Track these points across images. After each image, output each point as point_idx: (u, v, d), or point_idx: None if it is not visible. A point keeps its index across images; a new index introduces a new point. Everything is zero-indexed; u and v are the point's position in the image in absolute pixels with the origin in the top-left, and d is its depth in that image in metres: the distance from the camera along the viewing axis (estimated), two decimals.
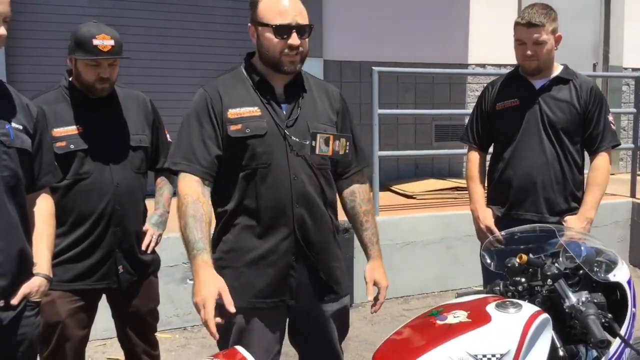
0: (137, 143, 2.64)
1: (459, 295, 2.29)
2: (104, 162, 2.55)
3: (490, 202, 2.86)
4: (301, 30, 2.04)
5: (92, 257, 2.54)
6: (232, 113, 2.06)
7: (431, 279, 4.99)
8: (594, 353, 2.01)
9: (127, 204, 2.58)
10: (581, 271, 2.05)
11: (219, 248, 2.10)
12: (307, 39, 2.07)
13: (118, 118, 2.63)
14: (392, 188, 5.97)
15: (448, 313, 1.94)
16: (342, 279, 2.24)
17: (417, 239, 4.93)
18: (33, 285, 2.01)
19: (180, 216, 1.98)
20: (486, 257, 2.33)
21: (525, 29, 2.65)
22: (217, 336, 1.83)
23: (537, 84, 2.78)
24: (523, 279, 2.07)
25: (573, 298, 1.96)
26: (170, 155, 2.10)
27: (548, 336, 1.85)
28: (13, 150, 1.96)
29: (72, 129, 2.52)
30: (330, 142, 2.09)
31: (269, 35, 2.03)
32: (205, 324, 1.81)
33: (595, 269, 2.02)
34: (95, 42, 2.47)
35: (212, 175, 2.06)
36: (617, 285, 2.04)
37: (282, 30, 2.01)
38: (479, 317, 1.88)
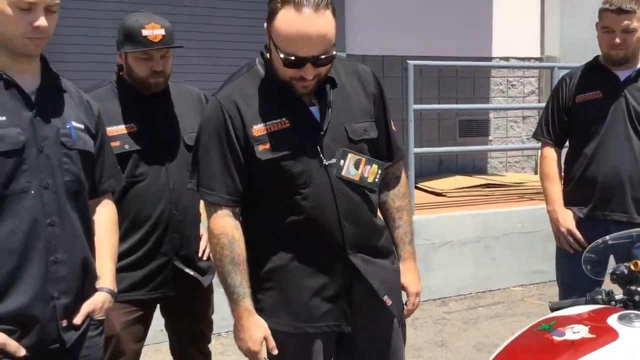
0: (193, 142, 2.44)
1: (554, 307, 2.11)
2: (159, 163, 2.36)
3: (568, 202, 2.69)
4: (319, 61, 1.70)
5: (149, 265, 2.35)
6: (257, 130, 1.77)
7: (469, 279, 4.83)
8: None
9: (185, 208, 2.38)
10: None
11: (262, 269, 1.86)
12: (327, 65, 1.74)
13: (172, 115, 2.43)
14: (419, 185, 5.80)
15: (564, 328, 1.76)
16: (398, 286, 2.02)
17: (454, 238, 4.76)
18: (97, 302, 1.81)
19: (216, 258, 1.81)
20: (586, 263, 2.15)
21: (615, 16, 2.48)
22: None
23: (622, 75, 2.61)
24: (638, 288, 1.89)
25: None
26: (192, 176, 1.87)
27: None
28: (75, 152, 1.76)
29: (125, 128, 2.32)
30: (361, 165, 1.85)
31: (279, 59, 1.70)
32: None
33: None
34: (145, 32, 2.27)
35: (241, 203, 1.84)
36: None
37: (294, 63, 1.69)
38: (603, 333, 1.70)
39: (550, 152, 2.76)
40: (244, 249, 1.80)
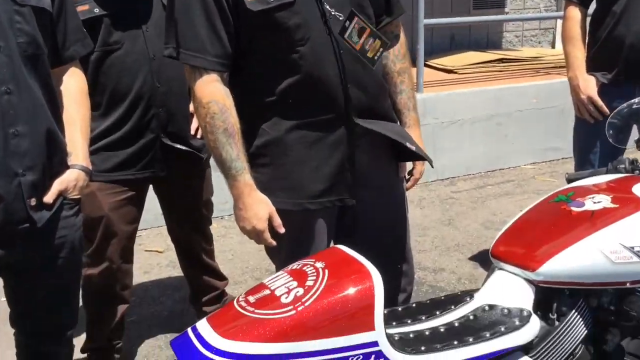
0: None
1: (571, 178, 1.94)
2: (136, 28, 2.12)
3: (592, 68, 2.43)
4: None
5: (136, 143, 2.18)
6: None
7: (479, 158, 4.66)
8: None
9: (168, 80, 2.17)
10: None
11: (254, 143, 1.68)
12: None
13: None
14: (428, 63, 5.49)
15: (584, 198, 1.60)
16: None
17: (464, 116, 4.54)
18: (69, 180, 1.65)
19: (207, 130, 1.58)
20: (610, 129, 1.95)
21: None
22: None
23: None
24: None
25: None
26: (169, 39, 1.61)
27: None
28: (27, 9, 1.52)
29: None
30: (364, 35, 1.61)
31: None
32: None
33: None
34: None
35: (229, 67, 1.61)
36: None
37: None
38: (627, 202, 1.54)
39: (574, 12, 2.47)
40: (237, 118, 1.59)
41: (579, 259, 1.45)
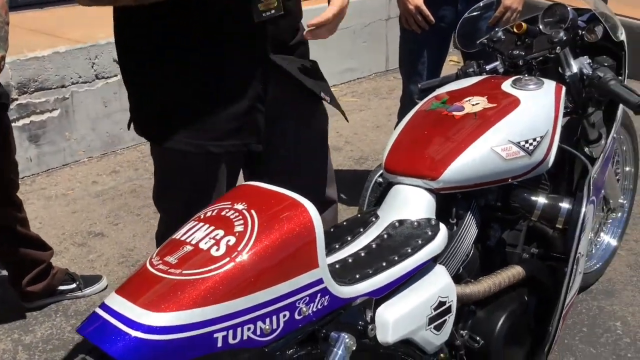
0: None
1: (424, 88, 1.97)
2: None
3: None
4: None
5: None
6: None
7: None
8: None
9: None
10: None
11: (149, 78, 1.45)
12: None
13: None
14: None
15: (460, 102, 1.62)
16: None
17: None
18: None
19: None
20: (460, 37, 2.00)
21: None
22: None
23: None
24: (521, 52, 1.80)
25: (574, 66, 1.76)
26: None
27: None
28: None
29: None
30: None
31: None
32: None
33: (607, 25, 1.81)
34: None
35: None
36: (615, 47, 1.88)
37: None
38: (504, 100, 1.59)
39: None
40: None
41: (475, 160, 1.46)
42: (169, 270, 1.03)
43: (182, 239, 1.09)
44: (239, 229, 1.07)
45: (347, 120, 1.80)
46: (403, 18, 2.51)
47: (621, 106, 1.86)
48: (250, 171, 1.67)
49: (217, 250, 1.04)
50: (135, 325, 0.96)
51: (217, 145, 1.48)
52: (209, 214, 1.14)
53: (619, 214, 2.45)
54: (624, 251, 2.62)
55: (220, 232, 1.07)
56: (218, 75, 1.45)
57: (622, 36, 1.86)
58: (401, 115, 2.57)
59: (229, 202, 1.14)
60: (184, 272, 1.02)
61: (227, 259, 1.02)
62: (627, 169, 2.44)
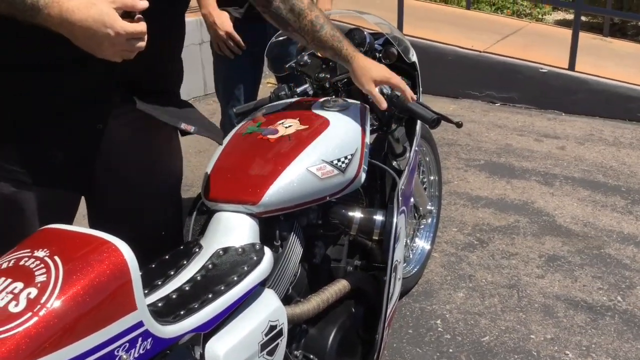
0: None
1: (239, 112, 1.98)
2: None
3: (222, 3, 2.46)
4: None
5: None
6: None
7: None
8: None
9: None
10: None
11: None
12: None
13: None
14: None
15: (274, 125, 1.64)
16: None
17: None
18: None
19: None
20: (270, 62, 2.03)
21: None
22: None
23: None
24: (327, 75, 1.87)
25: None
26: None
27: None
28: None
29: None
30: None
31: None
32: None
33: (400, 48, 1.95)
34: None
35: None
36: (409, 67, 2.03)
37: None
38: (314, 122, 1.64)
39: None
40: None
41: (293, 182, 1.49)
42: None
43: None
44: (40, 278, 0.96)
45: (220, 143, 1.62)
46: (215, 43, 2.50)
47: (419, 121, 2.02)
48: (90, 212, 1.53)
49: (17, 305, 0.93)
50: None
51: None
52: (4, 265, 1.01)
53: (429, 220, 2.66)
54: (437, 253, 2.85)
55: (19, 285, 0.96)
56: (42, 108, 1.30)
57: (414, 57, 2.03)
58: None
59: (28, 250, 1.03)
60: None
61: (29, 314, 0.92)
62: (432, 177, 2.66)
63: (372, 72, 1.64)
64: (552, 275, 2.70)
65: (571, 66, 4.76)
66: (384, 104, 1.64)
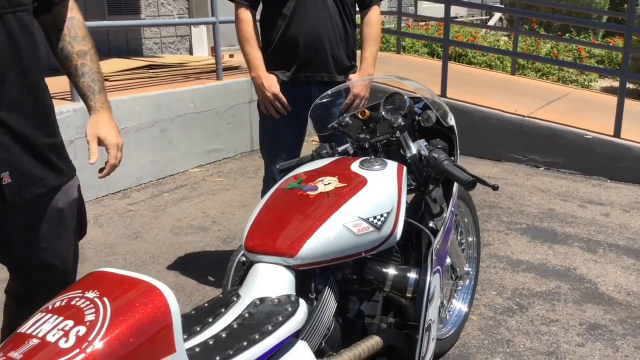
0: None
1: (282, 168, 2.07)
2: None
3: (271, 67, 2.60)
4: None
5: None
6: None
7: (148, 167, 4.55)
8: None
9: None
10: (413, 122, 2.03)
11: None
12: None
13: None
14: None
15: (314, 182, 1.72)
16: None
17: (128, 124, 4.37)
18: None
19: None
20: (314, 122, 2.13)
21: None
22: None
23: None
24: (367, 135, 1.95)
25: (414, 148, 1.94)
26: None
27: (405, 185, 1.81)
28: None
29: None
30: None
31: None
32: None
33: (440, 114, 2.02)
34: None
35: None
36: (447, 130, 2.09)
37: None
38: (353, 180, 1.71)
39: (246, 14, 2.60)
40: None
41: (329, 237, 1.54)
42: None
43: (28, 332, 1.04)
44: (89, 318, 1.04)
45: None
46: (262, 104, 2.63)
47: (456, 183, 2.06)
48: None
49: (66, 342, 1.00)
50: None
51: None
52: (57, 304, 1.10)
53: (467, 281, 2.65)
54: (475, 315, 2.82)
55: (70, 323, 1.03)
56: None
57: (452, 121, 2.09)
58: (264, 194, 2.64)
59: (80, 291, 1.11)
60: None
61: (77, 350, 0.99)
62: (470, 239, 2.67)
63: (100, 129, 1.73)
64: (593, 344, 2.63)
65: (616, 133, 4.74)
66: (93, 159, 1.68)
